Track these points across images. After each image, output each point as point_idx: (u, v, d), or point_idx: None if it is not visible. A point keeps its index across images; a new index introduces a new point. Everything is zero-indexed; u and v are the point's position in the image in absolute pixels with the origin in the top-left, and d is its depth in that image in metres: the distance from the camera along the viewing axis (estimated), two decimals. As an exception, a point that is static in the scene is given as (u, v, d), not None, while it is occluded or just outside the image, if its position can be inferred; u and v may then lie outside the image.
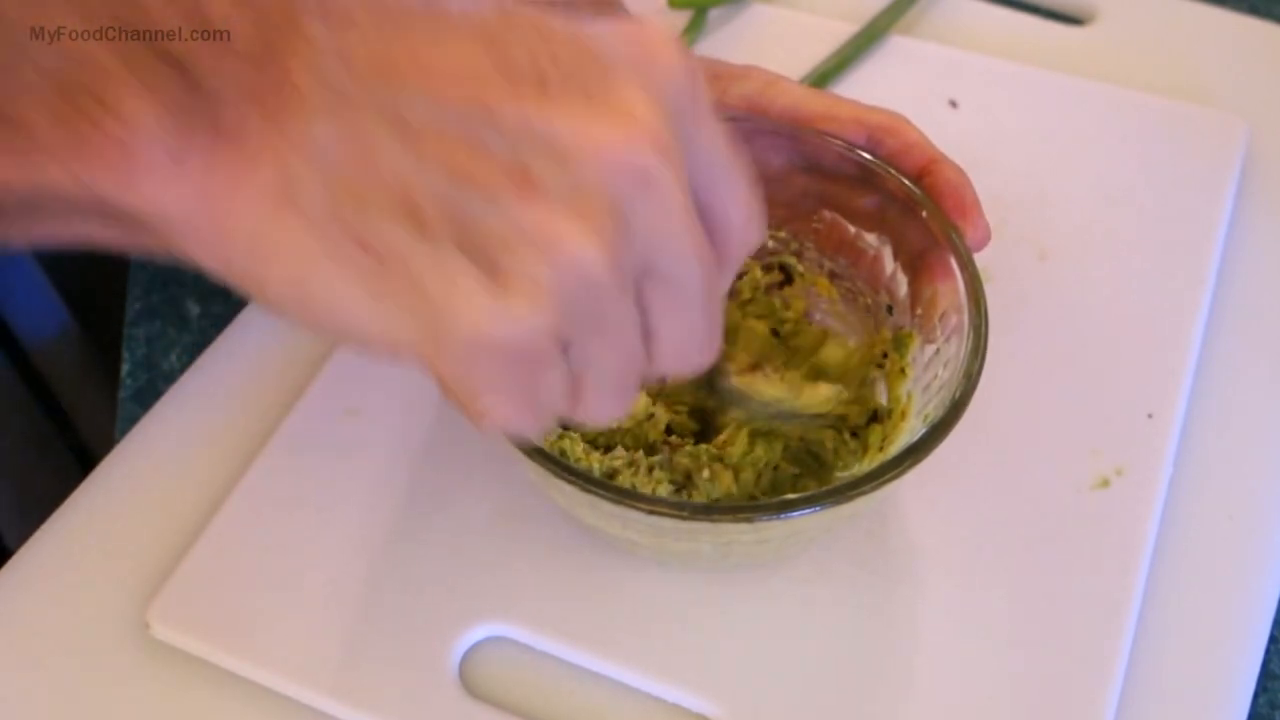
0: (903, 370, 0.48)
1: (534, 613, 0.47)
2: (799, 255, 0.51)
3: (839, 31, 0.68)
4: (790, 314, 0.51)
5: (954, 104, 0.65)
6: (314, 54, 0.31)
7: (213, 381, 0.55)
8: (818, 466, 0.49)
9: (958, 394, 0.42)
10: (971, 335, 0.43)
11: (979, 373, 0.43)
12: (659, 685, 0.46)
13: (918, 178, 0.47)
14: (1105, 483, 0.51)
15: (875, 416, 0.49)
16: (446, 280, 0.30)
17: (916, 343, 0.48)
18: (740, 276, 0.51)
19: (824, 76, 0.66)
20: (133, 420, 0.55)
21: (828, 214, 0.50)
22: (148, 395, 0.57)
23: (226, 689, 0.46)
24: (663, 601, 0.48)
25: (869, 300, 0.50)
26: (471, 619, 0.47)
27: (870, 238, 0.49)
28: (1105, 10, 0.71)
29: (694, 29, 0.69)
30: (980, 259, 0.58)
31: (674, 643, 0.47)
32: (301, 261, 0.31)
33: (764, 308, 0.51)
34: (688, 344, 0.34)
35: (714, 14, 0.70)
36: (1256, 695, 0.47)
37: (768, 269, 0.51)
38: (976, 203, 0.46)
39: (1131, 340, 0.55)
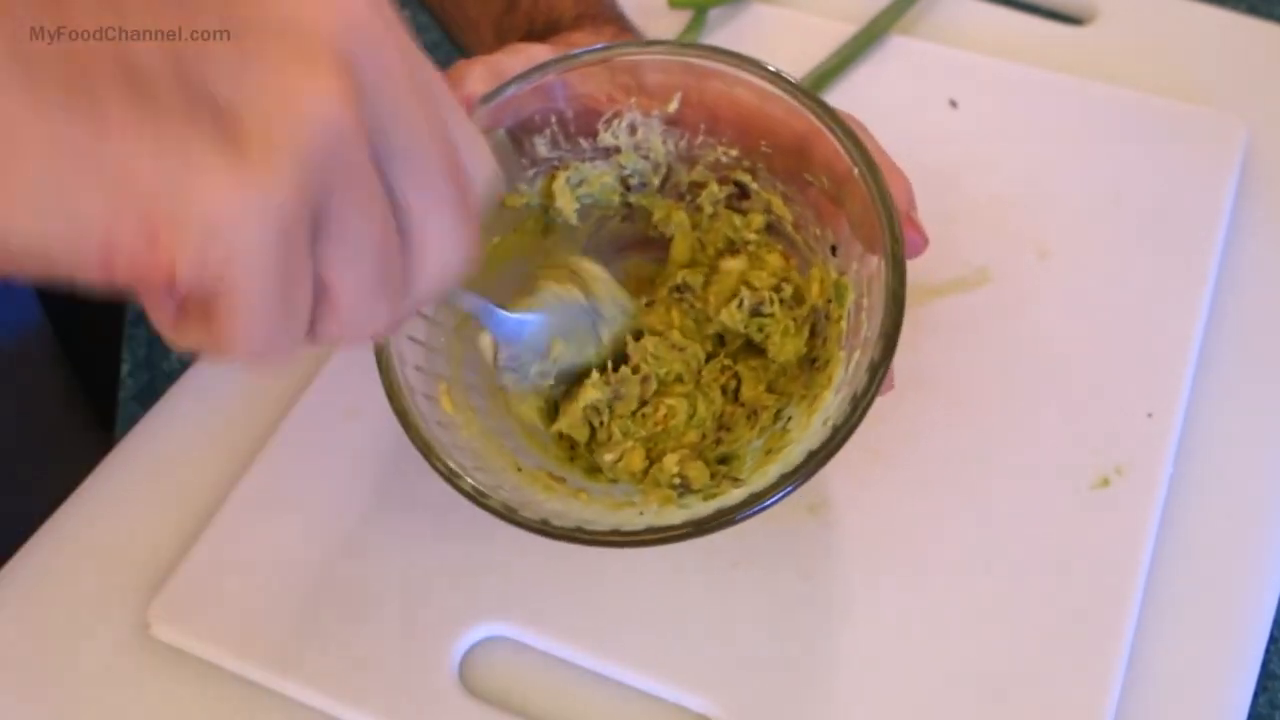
0: (839, 320, 0.47)
1: (534, 613, 0.47)
2: (752, 173, 0.50)
3: (839, 31, 0.68)
4: (751, 233, 0.51)
5: (954, 104, 0.65)
6: None
7: (213, 381, 0.55)
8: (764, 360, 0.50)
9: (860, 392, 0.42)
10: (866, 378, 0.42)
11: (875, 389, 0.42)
12: (659, 685, 0.46)
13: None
14: (1105, 482, 0.51)
15: (814, 360, 0.49)
16: (175, 151, 0.25)
17: (851, 296, 0.47)
18: (700, 190, 0.50)
19: (824, 76, 0.66)
20: (133, 420, 0.55)
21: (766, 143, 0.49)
22: (148, 395, 0.57)
23: (226, 689, 0.46)
24: (662, 601, 0.48)
25: (816, 231, 0.49)
26: (471, 619, 0.47)
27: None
28: (1105, 10, 0.71)
29: (694, 29, 0.69)
30: (980, 259, 0.58)
31: (674, 643, 0.47)
32: None
33: (726, 225, 0.51)
34: (441, 221, 0.30)
35: (714, 14, 0.70)
36: (1256, 695, 0.47)
37: (723, 182, 0.50)
38: (909, 209, 0.44)
39: (1131, 340, 0.55)
